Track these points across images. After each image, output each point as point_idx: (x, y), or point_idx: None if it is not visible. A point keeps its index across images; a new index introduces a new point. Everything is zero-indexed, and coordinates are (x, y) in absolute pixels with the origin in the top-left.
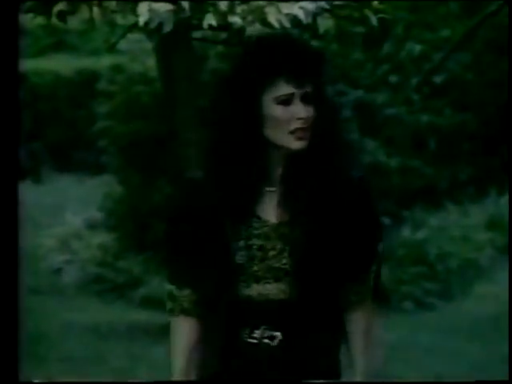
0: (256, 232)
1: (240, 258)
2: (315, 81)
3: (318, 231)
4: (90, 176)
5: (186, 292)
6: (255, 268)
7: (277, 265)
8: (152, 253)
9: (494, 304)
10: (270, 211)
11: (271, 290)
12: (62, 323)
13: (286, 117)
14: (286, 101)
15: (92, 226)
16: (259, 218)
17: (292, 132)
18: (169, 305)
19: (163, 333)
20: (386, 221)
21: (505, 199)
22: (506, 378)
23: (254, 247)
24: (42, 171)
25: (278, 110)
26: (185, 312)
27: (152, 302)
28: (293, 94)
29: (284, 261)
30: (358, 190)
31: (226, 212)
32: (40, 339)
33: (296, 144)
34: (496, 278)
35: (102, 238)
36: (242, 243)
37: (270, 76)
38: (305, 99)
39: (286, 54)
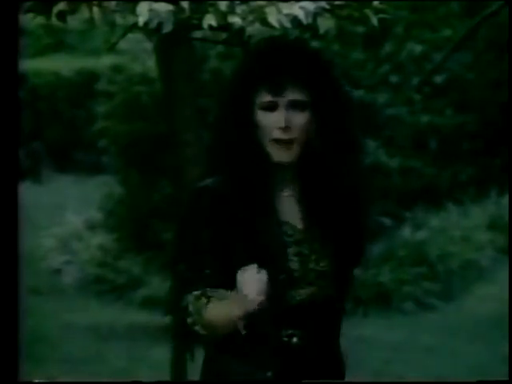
0: (292, 238)
1: (294, 263)
2: (311, 88)
3: (338, 233)
4: (90, 176)
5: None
6: (299, 272)
7: (316, 267)
8: (152, 253)
9: (495, 304)
10: (293, 216)
11: (304, 293)
12: (62, 324)
13: (268, 124)
14: (268, 108)
15: (92, 227)
16: (289, 224)
17: (274, 141)
18: (190, 319)
19: (163, 333)
20: (387, 221)
21: (505, 200)
22: (506, 378)
23: (295, 252)
24: (41, 171)
25: (260, 116)
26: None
27: (152, 303)
28: (274, 102)
29: (322, 263)
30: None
31: (255, 219)
32: (40, 340)
33: (278, 157)
34: (496, 279)
35: (102, 238)
36: (291, 250)
37: (254, 85)
38: (293, 107)
39: (265, 63)
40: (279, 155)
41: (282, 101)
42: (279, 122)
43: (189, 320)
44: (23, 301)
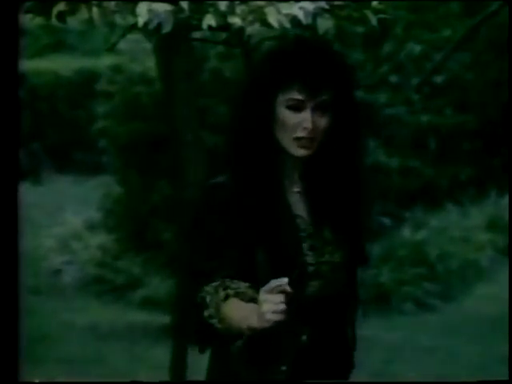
0: (305, 233)
1: (309, 257)
2: (336, 90)
3: (347, 228)
4: (90, 176)
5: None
6: (313, 266)
7: (331, 259)
8: (151, 253)
9: (494, 304)
10: (302, 212)
11: (315, 286)
12: (62, 324)
13: (293, 123)
14: (295, 107)
15: (91, 227)
16: (300, 216)
17: (296, 139)
18: (208, 312)
19: (163, 333)
20: (386, 221)
21: (505, 200)
22: (506, 378)
23: (309, 245)
24: (41, 172)
25: (286, 114)
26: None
27: (151, 303)
28: (303, 102)
29: (336, 255)
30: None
31: (270, 215)
32: (40, 340)
33: (299, 152)
34: (496, 279)
35: (102, 238)
36: (305, 244)
37: (284, 80)
38: (318, 109)
39: (303, 62)
40: (300, 151)
41: (311, 102)
42: (305, 123)
43: (205, 313)
44: (23, 301)
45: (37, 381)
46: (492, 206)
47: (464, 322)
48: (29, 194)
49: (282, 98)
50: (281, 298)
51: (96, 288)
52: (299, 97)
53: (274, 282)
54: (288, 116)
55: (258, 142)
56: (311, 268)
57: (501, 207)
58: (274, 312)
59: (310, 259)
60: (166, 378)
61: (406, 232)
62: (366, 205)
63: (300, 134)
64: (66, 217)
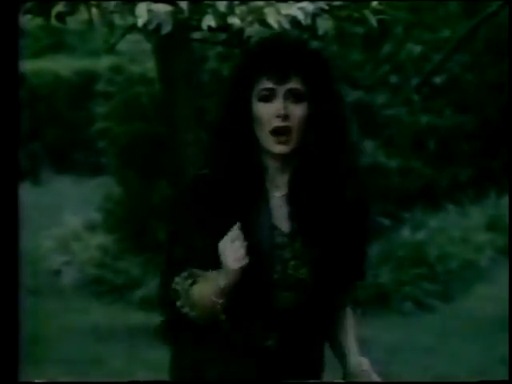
0: (277, 242)
1: (277, 267)
2: (309, 80)
3: (326, 241)
4: (89, 177)
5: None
6: (278, 277)
7: (295, 274)
8: (151, 254)
9: (494, 305)
10: (281, 219)
11: (283, 298)
12: (61, 324)
13: (267, 114)
14: (266, 97)
15: (91, 227)
16: (276, 227)
17: (272, 132)
18: (180, 302)
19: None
20: (386, 222)
21: (505, 200)
22: (506, 378)
23: (278, 256)
24: (40, 172)
25: (259, 107)
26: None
27: (151, 304)
28: (273, 90)
29: (301, 271)
30: (357, 211)
31: (248, 219)
32: (39, 340)
33: (277, 148)
34: (496, 279)
35: (101, 239)
36: (276, 253)
37: (254, 75)
38: (290, 96)
39: (268, 52)
40: (278, 147)
41: (281, 90)
42: (278, 111)
43: (178, 303)
44: (23, 301)
45: (36, 381)
46: (492, 206)
47: (464, 323)
48: (28, 195)
49: (255, 92)
50: (238, 244)
51: (95, 288)
52: (268, 85)
53: (229, 234)
54: (261, 108)
55: (237, 141)
56: (277, 277)
57: (500, 208)
58: (235, 259)
59: (277, 269)
60: (165, 378)
61: (406, 232)
62: (357, 218)
63: (275, 123)
64: (65, 217)
